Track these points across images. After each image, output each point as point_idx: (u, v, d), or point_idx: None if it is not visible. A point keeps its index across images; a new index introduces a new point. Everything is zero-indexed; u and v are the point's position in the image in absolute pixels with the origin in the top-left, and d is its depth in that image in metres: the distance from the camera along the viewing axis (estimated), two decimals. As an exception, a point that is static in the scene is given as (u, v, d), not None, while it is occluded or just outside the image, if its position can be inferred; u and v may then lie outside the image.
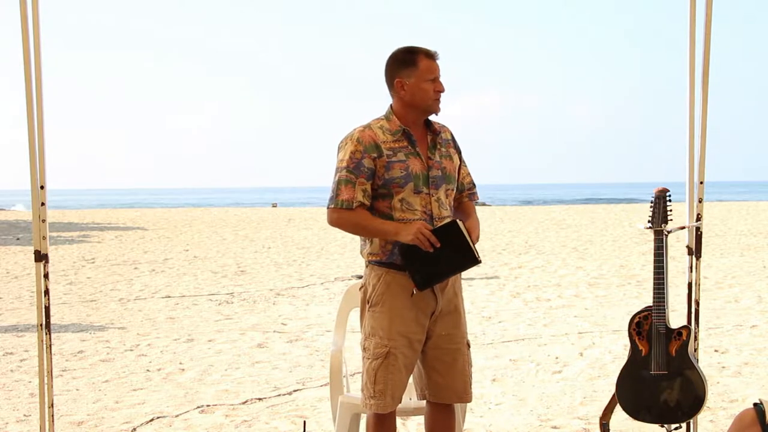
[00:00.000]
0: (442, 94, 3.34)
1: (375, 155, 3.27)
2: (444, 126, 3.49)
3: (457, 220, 3.27)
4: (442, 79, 3.36)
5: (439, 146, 3.39)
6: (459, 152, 3.51)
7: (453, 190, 3.44)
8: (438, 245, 3.20)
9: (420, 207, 3.30)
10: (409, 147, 3.32)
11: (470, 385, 3.46)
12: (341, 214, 3.30)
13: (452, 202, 3.48)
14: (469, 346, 3.47)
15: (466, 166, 3.56)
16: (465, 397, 3.43)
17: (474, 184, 3.61)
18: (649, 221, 3.96)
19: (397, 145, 3.31)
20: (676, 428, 4.01)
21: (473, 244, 3.26)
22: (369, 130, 3.33)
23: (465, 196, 3.56)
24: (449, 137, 3.48)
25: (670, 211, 3.95)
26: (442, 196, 3.37)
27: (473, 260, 3.25)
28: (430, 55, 3.34)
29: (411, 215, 3.28)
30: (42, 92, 3.72)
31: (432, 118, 3.43)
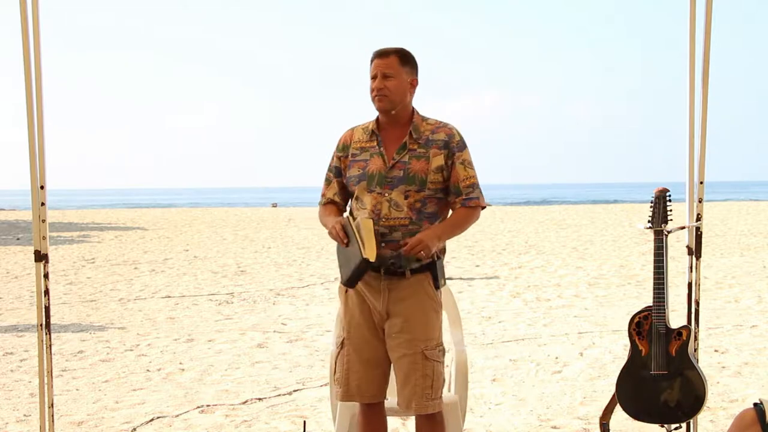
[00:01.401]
0: (380, 91, 3.34)
1: (341, 155, 3.46)
2: (445, 127, 3.41)
3: (350, 218, 3.30)
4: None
5: (412, 147, 3.35)
6: (453, 154, 3.35)
7: (417, 191, 3.32)
8: (345, 241, 3.24)
9: (370, 206, 3.33)
10: (376, 147, 3.39)
11: (424, 397, 3.28)
12: (318, 209, 3.57)
13: (420, 204, 3.32)
14: (428, 356, 3.29)
15: (466, 169, 3.37)
16: (412, 408, 3.30)
17: (473, 188, 3.38)
18: (649, 221, 3.96)
19: (367, 144, 3.42)
20: (676, 428, 4.01)
21: (362, 243, 3.17)
22: (350, 130, 3.49)
23: (458, 201, 3.37)
24: (442, 138, 3.37)
25: (670, 211, 3.95)
26: (396, 197, 3.31)
27: (362, 259, 3.14)
28: (375, 54, 3.39)
29: (363, 213, 3.34)
30: (42, 92, 3.72)
31: (439, 118, 3.43)
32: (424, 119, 3.43)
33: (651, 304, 3.93)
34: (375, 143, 3.39)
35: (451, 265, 13.50)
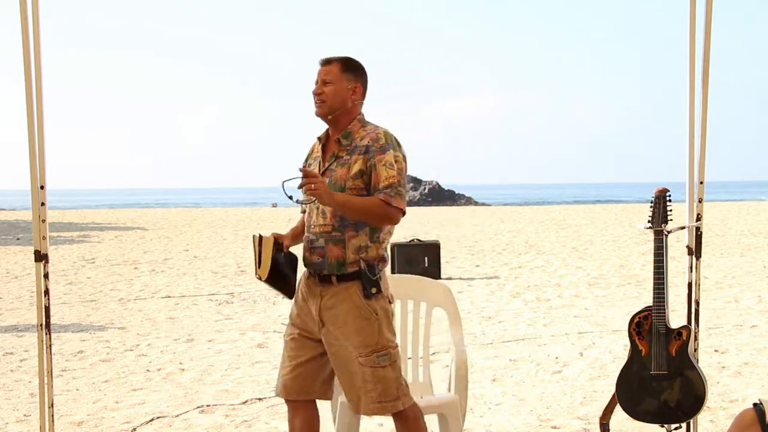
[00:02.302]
0: (317, 96, 3.41)
1: (305, 164, 3.55)
2: (374, 131, 3.37)
3: (257, 236, 3.41)
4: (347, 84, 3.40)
5: (340, 154, 3.37)
6: (373, 157, 3.30)
7: None
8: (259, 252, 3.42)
9: (305, 214, 3.48)
10: (320, 155, 3.47)
11: (370, 400, 3.33)
12: None
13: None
14: (363, 363, 3.32)
15: (387, 170, 3.29)
16: (361, 410, 3.38)
17: (392, 188, 3.26)
18: (649, 221, 3.96)
19: (317, 153, 3.51)
20: (676, 428, 4.01)
21: (258, 261, 3.39)
22: (316, 139, 3.56)
23: (376, 195, 3.29)
24: (365, 143, 3.34)
25: (670, 211, 3.95)
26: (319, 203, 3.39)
27: (257, 276, 3.43)
28: (319, 62, 3.46)
29: (298, 222, 3.57)
30: (42, 92, 3.72)
31: (375, 121, 3.45)
32: (363, 126, 3.41)
33: (651, 304, 3.94)
34: (321, 152, 3.48)
35: (451, 265, 13.50)
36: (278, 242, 3.44)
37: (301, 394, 3.49)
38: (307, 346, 3.47)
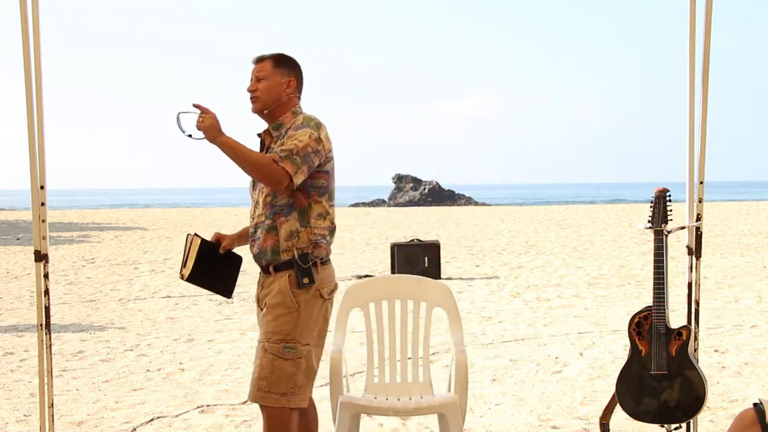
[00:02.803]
0: (252, 93, 3.45)
1: None
2: (297, 118, 3.40)
3: (192, 235, 3.50)
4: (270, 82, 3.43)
5: (271, 145, 3.42)
6: (285, 134, 3.34)
7: (266, 189, 3.38)
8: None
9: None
10: (259, 150, 3.49)
11: (255, 386, 3.40)
12: None
13: (271, 198, 3.36)
14: (266, 349, 3.34)
15: (290, 140, 3.30)
16: (250, 394, 3.44)
17: (286, 151, 3.26)
18: (649, 221, 3.96)
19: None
20: (676, 428, 4.01)
21: (184, 260, 3.49)
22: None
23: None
24: (286, 128, 3.38)
25: (670, 211, 3.95)
26: (257, 196, 3.44)
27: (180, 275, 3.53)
28: (252, 60, 3.50)
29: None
30: (42, 92, 3.72)
31: (314, 114, 3.46)
32: (295, 116, 3.43)
33: (651, 304, 3.93)
34: (260, 148, 3.50)
35: (451, 265, 13.50)
36: (211, 243, 3.51)
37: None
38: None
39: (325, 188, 3.40)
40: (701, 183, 3.97)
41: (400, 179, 49.77)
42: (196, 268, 3.45)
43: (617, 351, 6.76)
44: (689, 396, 3.88)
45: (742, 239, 17.79)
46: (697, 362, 3.95)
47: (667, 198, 3.96)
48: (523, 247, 17.00)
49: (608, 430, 4.19)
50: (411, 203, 46.94)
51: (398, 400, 3.89)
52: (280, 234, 3.34)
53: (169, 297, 10.41)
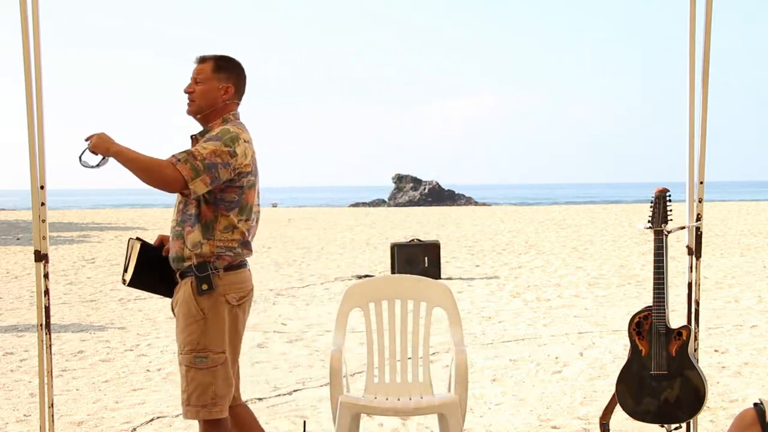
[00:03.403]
0: (189, 96, 3.40)
1: None
2: (223, 125, 3.36)
3: (133, 239, 3.49)
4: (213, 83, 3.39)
5: None
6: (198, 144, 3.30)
7: (179, 196, 3.37)
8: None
9: None
10: None
11: (184, 402, 3.31)
12: None
13: (183, 206, 3.36)
14: (181, 361, 3.32)
15: (196, 147, 3.25)
16: (182, 411, 3.35)
17: (185, 153, 3.21)
18: (649, 221, 3.96)
19: None
20: (676, 428, 4.01)
21: (125, 265, 3.46)
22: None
23: None
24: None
25: (670, 211, 3.95)
26: (176, 201, 3.42)
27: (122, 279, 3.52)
28: (195, 60, 3.44)
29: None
30: (42, 92, 3.72)
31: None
32: (223, 124, 3.37)
33: (651, 304, 3.94)
34: None
35: (451, 265, 13.51)
36: (152, 246, 3.49)
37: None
38: None
39: (235, 203, 3.30)
40: (701, 183, 3.98)
41: (400, 179, 49.79)
42: (137, 272, 3.42)
43: (617, 351, 6.76)
44: (689, 396, 3.88)
45: (742, 239, 17.79)
46: (697, 362, 3.95)
47: (667, 198, 3.96)
48: (523, 247, 17.00)
49: (608, 430, 4.19)
50: (411, 203, 46.95)
51: (398, 400, 3.89)
52: (186, 242, 3.30)
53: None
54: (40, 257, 3.78)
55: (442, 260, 12.70)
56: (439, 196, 48.41)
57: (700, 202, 3.98)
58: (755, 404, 3.19)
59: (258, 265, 13.98)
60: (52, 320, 5.51)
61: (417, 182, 49.44)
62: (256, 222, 3.48)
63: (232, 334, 3.36)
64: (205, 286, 3.26)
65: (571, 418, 5.00)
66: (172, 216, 3.47)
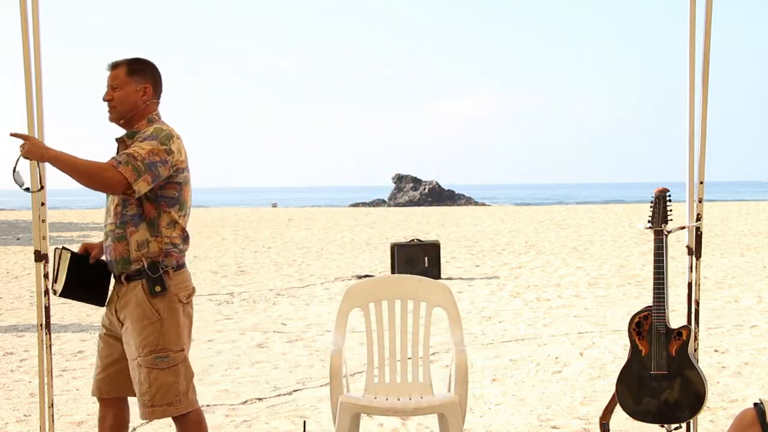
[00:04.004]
0: (108, 103, 3.40)
1: None
2: (150, 125, 3.37)
3: (56, 248, 3.47)
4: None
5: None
6: (133, 143, 3.31)
7: (114, 198, 3.37)
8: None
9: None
10: None
11: (142, 404, 3.42)
12: None
13: (121, 208, 3.34)
14: (141, 364, 3.36)
15: (135, 146, 3.27)
16: (141, 412, 3.45)
17: (126, 156, 3.22)
18: (649, 221, 3.96)
19: None
20: (676, 428, 4.01)
21: (55, 275, 3.47)
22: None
23: None
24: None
25: (670, 211, 3.95)
26: (110, 205, 3.41)
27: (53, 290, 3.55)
28: (107, 67, 3.45)
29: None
30: (42, 92, 3.72)
31: (171, 123, 3.44)
32: (151, 123, 3.39)
33: (651, 304, 3.94)
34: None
35: (451, 265, 13.51)
36: (80, 255, 3.48)
37: (112, 392, 3.60)
38: (115, 345, 3.55)
39: (175, 199, 3.35)
40: (701, 183, 3.98)
41: (400, 179, 49.79)
42: (68, 282, 3.44)
43: (617, 351, 6.76)
44: (689, 396, 3.88)
45: (742, 239, 17.79)
46: (697, 362, 3.95)
47: (667, 198, 3.96)
48: (523, 247, 17.00)
49: (608, 430, 4.19)
50: (411, 203, 46.94)
51: (398, 400, 3.89)
52: (130, 244, 3.31)
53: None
54: (40, 257, 3.78)
55: (442, 260, 12.70)
56: (439, 196, 48.41)
57: (700, 202, 3.98)
58: (755, 404, 3.19)
59: (258, 265, 13.99)
60: (52, 320, 5.51)
61: (417, 182, 49.45)
62: (189, 216, 3.56)
63: (189, 331, 3.47)
64: (158, 288, 3.32)
65: (571, 418, 5.00)
66: (106, 220, 3.44)
